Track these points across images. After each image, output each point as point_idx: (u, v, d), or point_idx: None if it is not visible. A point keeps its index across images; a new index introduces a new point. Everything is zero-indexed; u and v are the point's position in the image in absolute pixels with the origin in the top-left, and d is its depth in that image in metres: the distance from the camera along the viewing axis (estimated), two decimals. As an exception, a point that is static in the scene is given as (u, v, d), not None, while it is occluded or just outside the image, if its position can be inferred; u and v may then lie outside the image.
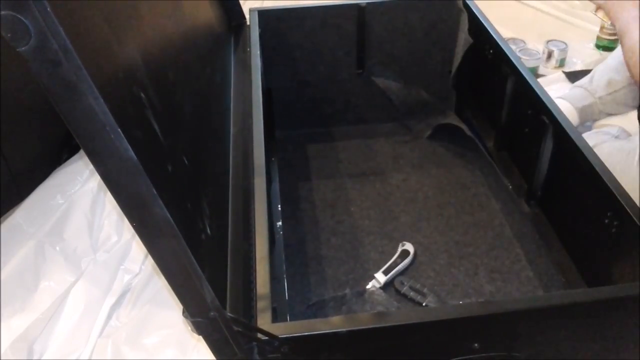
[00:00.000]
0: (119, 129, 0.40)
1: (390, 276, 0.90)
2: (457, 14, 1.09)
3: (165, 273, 0.47)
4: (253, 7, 1.12)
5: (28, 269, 0.94)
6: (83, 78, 0.38)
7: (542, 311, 0.58)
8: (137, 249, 0.99)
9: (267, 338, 0.52)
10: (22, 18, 0.35)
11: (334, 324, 0.55)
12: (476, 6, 1.08)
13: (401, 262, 0.91)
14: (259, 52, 0.97)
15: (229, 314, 0.50)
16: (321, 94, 1.17)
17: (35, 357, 0.85)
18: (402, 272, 0.91)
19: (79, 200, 1.03)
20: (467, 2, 1.08)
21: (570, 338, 0.60)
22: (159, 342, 0.86)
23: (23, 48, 0.36)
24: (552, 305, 0.58)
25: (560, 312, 0.58)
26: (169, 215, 0.44)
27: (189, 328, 0.50)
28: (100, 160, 0.41)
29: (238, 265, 0.64)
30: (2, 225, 1.00)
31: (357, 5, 1.08)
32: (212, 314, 0.49)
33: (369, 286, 0.89)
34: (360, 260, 0.93)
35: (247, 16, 1.12)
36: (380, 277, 0.90)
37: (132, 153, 0.41)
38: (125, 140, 0.40)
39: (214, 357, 0.54)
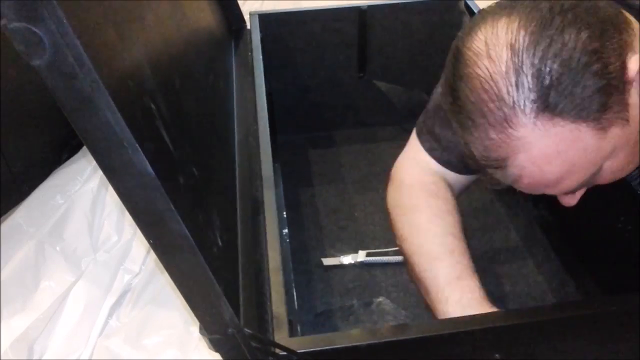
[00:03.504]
0: (137, 144, 0.38)
1: (371, 260, 0.90)
2: (459, 17, 1.09)
3: (182, 290, 0.46)
4: (252, 10, 1.11)
5: (28, 269, 0.93)
6: (100, 91, 0.36)
7: (566, 321, 0.57)
8: (137, 249, 0.99)
9: (285, 353, 0.51)
10: (36, 30, 0.33)
11: (353, 337, 0.54)
12: (478, 8, 1.07)
13: (392, 254, 0.91)
14: (260, 57, 0.96)
15: (246, 330, 0.49)
16: (322, 97, 1.16)
17: (35, 357, 0.84)
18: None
19: (79, 200, 1.03)
20: (469, 4, 1.08)
21: (595, 347, 0.59)
22: (159, 342, 0.86)
23: (38, 62, 0.34)
24: (577, 315, 0.58)
25: (585, 322, 0.57)
26: (187, 231, 0.43)
27: (207, 345, 0.49)
28: (117, 177, 0.40)
29: (249, 277, 0.63)
30: (2, 225, 1.00)
31: (358, 9, 1.08)
32: (229, 330, 0.48)
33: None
34: (366, 267, 0.92)
35: (246, 20, 1.11)
36: (360, 255, 0.90)
37: (150, 169, 0.39)
38: (142, 155, 0.39)
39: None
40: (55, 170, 1.09)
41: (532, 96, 0.51)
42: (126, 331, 0.87)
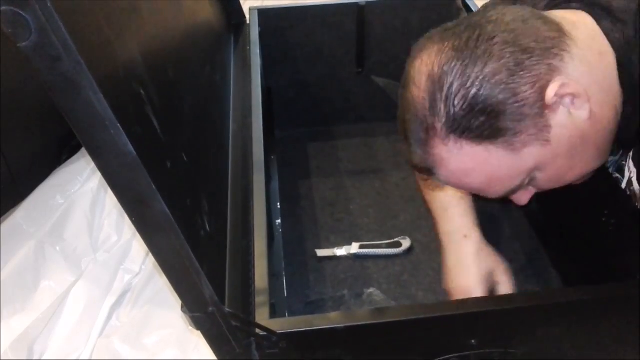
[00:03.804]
0: (119, 124, 0.40)
1: (364, 252, 0.92)
2: (457, 14, 1.10)
3: (164, 268, 0.47)
4: (253, 5, 1.12)
5: (28, 269, 0.94)
6: (83, 73, 0.38)
7: (539, 308, 0.58)
8: (137, 249, 1.00)
9: (265, 333, 0.53)
10: (22, 13, 0.35)
11: (331, 319, 0.56)
12: (476, 5, 1.08)
13: (385, 247, 0.92)
14: (258, 51, 0.97)
15: (227, 309, 0.50)
16: (321, 92, 1.17)
17: (35, 357, 0.85)
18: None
19: (79, 200, 1.03)
20: (467, 1, 1.09)
21: (568, 335, 0.60)
22: (159, 342, 0.86)
23: (24, 44, 0.36)
24: (550, 303, 0.59)
25: (557, 310, 0.58)
26: (168, 211, 0.44)
27: (188, 323, 0.51)
28: (99, 155, 0.41)
29: (237, 262, 0.65)
30: (2, 225, 1.01)
31: (356, 5, 1.09)
32: (210, 309, 0.49)
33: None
34: (359, 259, 0.94)
35: (247, 15, 1.12)
36: (354, 247, 0.92)
37: (131, 148, 0.41)
38: (124, 135, 0.40)
39: (214, 357, 0.54)
40: (55, 170, 1.09)
41: (442, 121, 0.58)
42: (126, 331, 0.87)
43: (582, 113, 0.59)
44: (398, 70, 1.16)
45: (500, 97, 0.56)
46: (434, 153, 0.60)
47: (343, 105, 1.19)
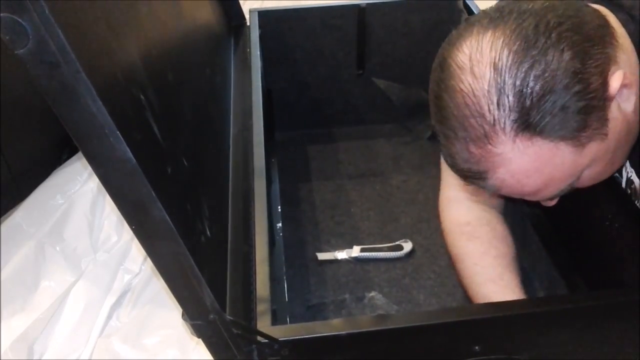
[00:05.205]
0: (118, 132, 0.40)
1: (366, 256, 0.92)
2: (458, 15, 1.09)
3: (164, 276, 0.47)
4: (253, 7, 1.12)
5: (28, 269, 0.93)
6: (81, 80, 0.37)
7: (543, 314, 0.58)
8: (137, 249, 0.99)
9: (266, 341, 0.52)
10: (20, 20, 0.35)
11: (334, 326, 0.55)
12: (477, 7, 1.08)
13: (386, 250, 0.92)
14: (258, 53, 0.96)
15: (228, 316, 0.50)
16: (321, 94, 1.16)
17: (35, 357, 0.84)
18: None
19: (79, 200, 1.03)
20: (468, 2, 1.08)
21: (572, 341, 0.59)
22: (159, 342, 0.86)
23: (21, 50, 0.36)
24: (554, 309, 0.58)
25: (561, 316, 0.58)
26: (168, 218, 0.44)
27: (188, 330, 0.50)
28: (99, 163, 0.41)
29: (238, 267, 0.64)
30: (2, 225, 1.00)
31: (357, 6, 1.08)
32: (211, 316, 0.49)
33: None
34: (360, 262, 0.93)
35: (247, 17, 1.12)
36: (355, 250, 0.91)
37: (131, 155, 0.40)
38: (124, 142, 0.40)
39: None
40: (55, 170, 1.09)
41: (513, 116, 0.53)
42: (126, 331, 0.87)
43: (628, 105, 0.56)
44: (399, 72, 1.17)
45: (577, 88, 0.52)
46: (497, 152, 0.54)
47: (344, 108, 1.18)
